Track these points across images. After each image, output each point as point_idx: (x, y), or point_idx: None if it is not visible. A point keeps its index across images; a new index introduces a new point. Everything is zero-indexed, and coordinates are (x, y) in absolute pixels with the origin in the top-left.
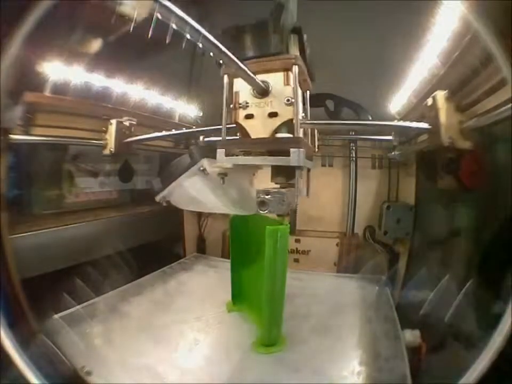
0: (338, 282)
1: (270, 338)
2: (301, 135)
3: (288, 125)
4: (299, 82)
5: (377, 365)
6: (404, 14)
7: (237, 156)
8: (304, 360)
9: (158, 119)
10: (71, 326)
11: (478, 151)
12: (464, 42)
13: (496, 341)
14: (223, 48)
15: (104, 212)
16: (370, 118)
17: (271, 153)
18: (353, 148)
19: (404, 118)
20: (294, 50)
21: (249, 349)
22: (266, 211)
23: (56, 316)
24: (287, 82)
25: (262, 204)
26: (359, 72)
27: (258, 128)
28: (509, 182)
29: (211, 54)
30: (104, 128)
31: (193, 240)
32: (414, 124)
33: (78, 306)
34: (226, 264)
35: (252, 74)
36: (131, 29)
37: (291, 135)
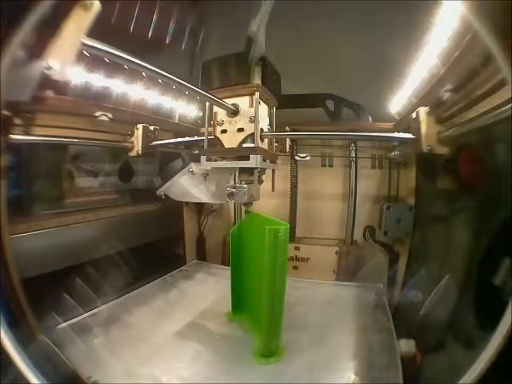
0: (337, 291)
1: (269, 349)
2: (260, 144)
3: (252, 137)
4: (265, 102)
5: (371, 375)
6: (404, 14)
7: (215, 160)
8: (301, 370)
9: (158, 119)
10: (75, 335)
11: (477, 151)
12: (464, 42)
13: (496, 341)
14: (196, 89)
15: (104, 212)
16: (370, 118)
17: (239, 158)
18: (353, 148)
19: (396, 125)
20: (257, 79)
21: (248, 359)
22: (233, 200)
23: (60, 326)
24: (251, 105)
25: (230, 195)
26: (359, 72)
27: (230, 140)
28: (509, 182)
29: (186, 93)
30: (129, 132)
31: (193, 240)
32: (400, 135)
33: (81, 316)
34: (226, 272)
35: (220, 101)
36: (131, 29)
37: (253, 145)
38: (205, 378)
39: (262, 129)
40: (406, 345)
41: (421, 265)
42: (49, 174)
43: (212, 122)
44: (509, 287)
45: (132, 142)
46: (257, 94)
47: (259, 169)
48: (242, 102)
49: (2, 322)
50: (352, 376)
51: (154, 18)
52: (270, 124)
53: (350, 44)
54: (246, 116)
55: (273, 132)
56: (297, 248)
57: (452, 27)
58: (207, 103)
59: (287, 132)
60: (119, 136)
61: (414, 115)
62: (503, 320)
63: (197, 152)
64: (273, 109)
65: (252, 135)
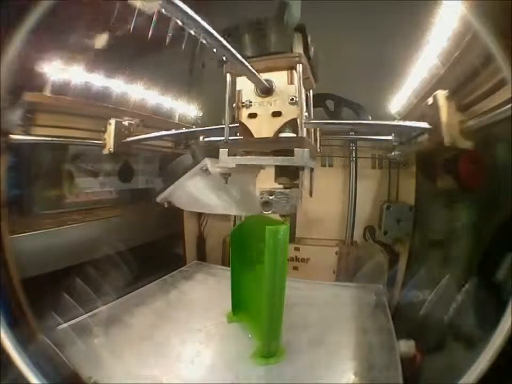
0: (337, 291)
1: (269, 350)
2: (305, 134)
3: (292, 125)
4: (302, 81)
5: (371, 376)
6: (403, 14)
7: (239, 156)
8: (301, 371)
9: (158, 119)
10: (76, 336)
11: (477, 151)
12: (464, 42)
13: (496, 341)
14: (227, 45)
15: (104, 211)
16: (370, 118)
17: (274, 153)
18: (353, 148)
19: (404, 118)
20: (298, 49)
21: (248, 360)
22: (270, 211)
23: (60, 327)
24: (291, 81)
25: (265, 204)
26: (359, 72)
27: (262, 128)
28: (508, 182)
29: (214, 50)
30: (103, 128)
31: (193, 240)
32: (416, 124)
33: (81, 317)
34: (226, 273)
35: (255, 72)
36: (131, 29)
37: (295, 135)
38: (205, 378)
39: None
40: (406, 346)
41: (421, 265)
42: (49, 174)
43: (234, 104)
44: (509, 286)
45: (105, 139)
46: (299, 66)
47: (305, 169)
48: (279, 77)
49: (2, 322)
50: (352, 377)
51: (154, 18)
52: (308, 112)
53: (350, 43)
54: (284, 95)
55: (315, 120)
56: (297, 249)
57: (452, 27)
58: (228, 78)
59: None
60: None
61: (430, 100)
62: (503, 320)
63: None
64: (310, 92)
65: (294, 121)
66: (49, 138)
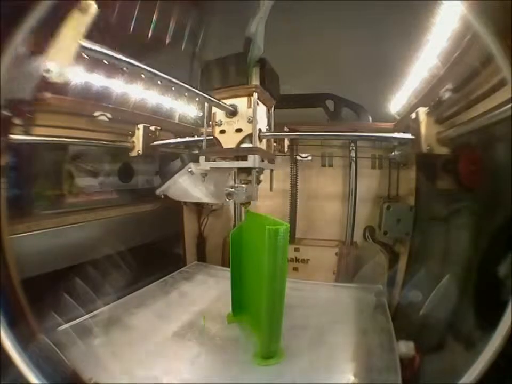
0: (337, 292)
1: (269, 351)
2: (258, 145)
3: (250, 137)
4: (263, 102)
5: (370, 377)
6: (403, 14)
7: (214, 160)
8: (301, 372)
9: (158, 118)
10: (76, 337)
11: (477, 151)
12: (464, 42)
13: (496, 341)
14: (196, 91)
15: (104, 211)
16: (370, 118)
17: (236, 159)
18: (353, 148)
19: (396, 125)
20: (255, 80)
21: (248, 361)
22: (231, 200)
23: (61, 327)
24: (249, 105)
25: (228, 194)
26: (359, 72)
27: (228, 140)
28: (508, 182)
29: (185, 94)
30: (130, 132)
31: (193, 240)
32: (402, 135)
33: (81, 318)
34: (226, 273)
35: (218, 102)
36: (131, 29)
37: (251, 145)
38: (205, 379)
39: (260, 130)
40: (405, 347)
41: (421, 265)
42: (49, 174)
43: (210, 122)
44: (509, 286)
45: (133, 142)
46: (255, 94)
47: (257, 169)
48: (241, 103)
49: (2, 322)
50: (351, 378)
51: (154, 18)
52: (268, 124)
53: (350, 43)
54: (245, 116)
55: (271, 132)
56: (297, 250)
57: (452, 27)
58: (206, 104)
59: (286, 132)
60: (120, 136)
61: (413, 115)
62: (503, 320)
63: (196, 152)
64: (271, 110)
65: (250, 135)
66: (49, 138)
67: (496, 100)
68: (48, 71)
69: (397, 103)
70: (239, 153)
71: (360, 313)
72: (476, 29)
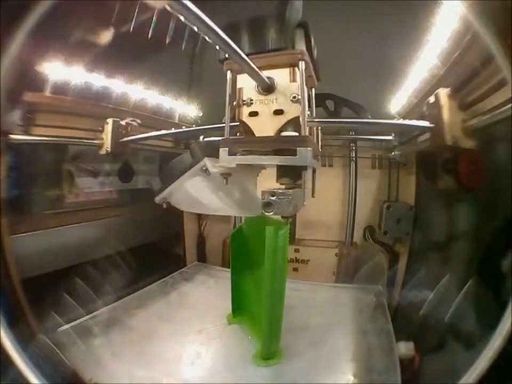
0: (336, 293)
1: (269, 352)
2: (307, 133)
3: (294, 123)
4: (305, 79)
5: (370, 378)
6: (404, 14)
7: (239, 155)
8: (301, 372)
9: (158, 119)
10: (76, 337)
11: (477, 151)
12: (464, 42)
13: (496, 341)
14: (229, 41)
15: (104, 211)
16: (370, 118)
17: (276, 153)
18: (353, 148)
19: (405, 118)
20: (300, 46)
21: (248, 362)
22: (271, 212)
23: (61, 328)
24: (293, 79)
25: (267, 205)
26: (359, 72)
27: (263, 126)
28: (508, 182)
29: (216, 47)
30: (100, 128)
31: (193, 240)
32: (417, 122)
33: (82, 319)
34: (226, 274)
35: (257, 69)
36: (131, 29)
37: (297, 134)
38: (205, 380)
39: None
40: (405, 348)
41: (421, 265)
42: (49, 174)
43: (235, 103)
44: (509, 286)
45: (102, 139)
46: (302, 63)
47: (307, 169)
48: (281, 75)
49: (2, 322)
50: (351, 378)
51: (154, 18)
52: (310, 109)
53: (350, 43)
54: (287, 93)
55: (316, 118)
56: (297, 250)
57: (452, 27)
58: (228, 75)
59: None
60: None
61: (432, 99)
62: (503, 320)
63: (213, 139)
64: (312, 90)
65: (297, 119)
66: (49, 138)
67: (496, 100)
68: None
69: (397, 103)
70: (282, 145)
71: (360, 314)
72: (475, 29)
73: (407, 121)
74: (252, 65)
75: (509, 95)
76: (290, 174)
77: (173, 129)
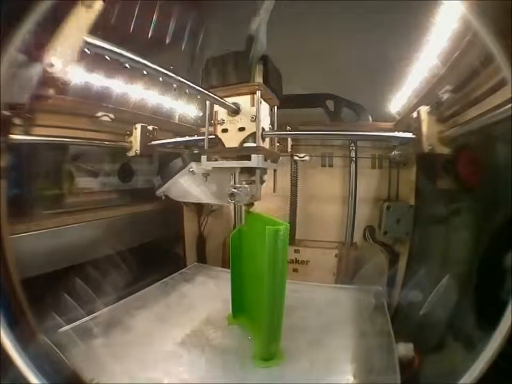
0: (336, 294)
1: (269, 353)
2: (261, 144)
3: (253, 136)
4: (266, 101)
5: (370, 378)
6: (404, 14)
7: (216, 160)
8: (300, 373)
9: (157, 118)
10: (77, 338)
11: (477, 151)
12: (464, 42)
13: (496, 341)
14: (198, 87)
15: (104, 211)
16: (370, 118)
17: (239, 158)
18: (353, 148)
19: (396, 125)
20: (259, 78)
21: (248, 363)
22: (234, 201)
23: (62, 329)
24: (252, 104)
25: (231, 195)
26: (359, 72)
27: (231, 139)
28: (508, 182)
29: (186, 91)
30: (128, 132)
31: (193, 241)
32: (400, 134)
33: (82, 320)
34: (226, 275)
35: (221, 100)
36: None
37: (254, 144)
38: (205, 380)
39: (263, 129)
40: (405, 349)
41: (421, 265)
42: (49, 174)
43: (212, 121)
44: (509, 286)
45: (130, 142)
46: (258, 92)
47: (260, 169)
48: (244, 101)
49: (2, 322)
50: (350, 379)
51: (154, 18)
52: (272, 123)
53: (350, 43)
54: (247, 114)
55: (274, 131)
56: (297, 251)
57: (452, 27)
58: (208, 102)
59: (288, 131)
60: (118, 136)
61: (415, 114)
62: (503, 320)
63: (197, 152)
64: (274, 108)
65: (253, 134)
66: (49, 138)
67: (496, 100)
68: (51, 65)
69: (397, 103)
70: (242, 153)
71: (360, 315)
72: (475, 29)
73: (392, 133)
74: (217, 98)
75: (508, 95)
76: (249, 173)
77: (196, 136)
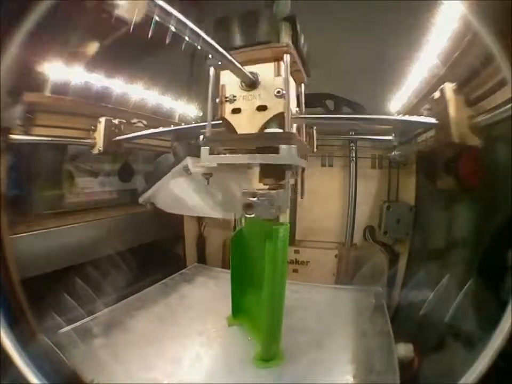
0: (336, 294)
1: (269, 353)
2: (292, 130)
3: (279, 119)
4: (292, 74)
5: (369, 379)
6: (404, 14)
7: (223, 154)
8: (300, 374)
9: (158, 119)
10: (77, 339)
11: (477, 150)
12: (464, 42)
13: (496, 341)
14: (207, 38)
15: (104, 211)
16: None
17: (259, 151)
18: (353, 147)
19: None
20: (286, 39)
21: (249, 364)
22: (252, 215)
23: (62, 330)
24: (278, 73)
25: (248, 207)
26: (359, 72)
27: (246, 123)
28: (508, 182)
29: (197, 45)
30: (92, 127)
31: (193, 241)
32: (421, 119)
33: (82, 320)
34: (226, 275)
35: (238, 65)
36: (130, 30)
37: (281, 130)
38: (205, 381)
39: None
40: (404, 350)
41: (421, 265)
42: (49, 174)
43: (217, 99)
44: (509, 286)
45: (94, 138)
46: (287, 57)
47: (292, 168)
48: (265, 70)
49: (2, 322)
50: (350, 379)
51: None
52: (299, 106)
53: (350, 43)
54: (271, 88)
55: (305, 115)
56: (297, 252)
57: (451, 27)
58: (211, 71)
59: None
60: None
61: (437, 94)
62: (503, 320)
63: (194, 143)
64: (301, 86)
65: (281, 115)
66: (49, 138)
67: (496, 100)
68: (114, 5)
69: (397, 103)
70: (264, 143)
71: (359, 315)
72: (476, 29)
73: (413, 117)
74: (233, 60)
75: (509, 95)
76: (274, 174)
77: (161, 127)
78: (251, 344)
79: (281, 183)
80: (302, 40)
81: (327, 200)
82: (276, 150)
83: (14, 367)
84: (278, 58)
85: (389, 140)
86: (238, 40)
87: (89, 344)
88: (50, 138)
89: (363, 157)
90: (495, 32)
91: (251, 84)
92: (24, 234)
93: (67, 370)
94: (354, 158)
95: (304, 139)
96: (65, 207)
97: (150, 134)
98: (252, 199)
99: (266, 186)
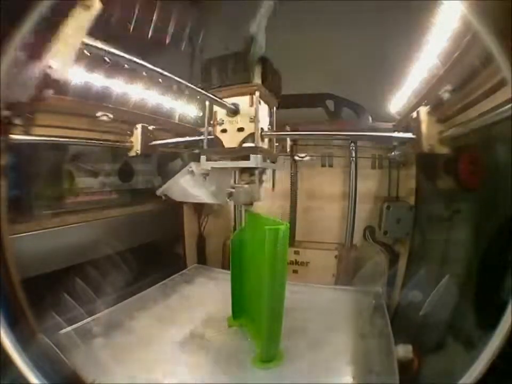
0: (336, 295)
1: (269, 354)
2: (260, 144)
3: (252, 137)
4: (265, 101)
5: (369, 379)
6: (404, 14)
7: (215, 160)
8: (300, 374)
9: (158, 118)
10: (77, 340)
11: (477, 151)
12: (464, 42)
13: (496, 341)
14: (198, 89)
15: (104, 211)
16: (370, 118)
17: (239, 159)
18: (353, 148)
19: (396, 125)
20: (257, 79)
21: (249, 364)
22: (232, 200)
23: (63, 331)
24: (251, 104)
25: (229, 195)
26: (359, 72)
27: (230, 140)
28: (508, 182)
29: (186, 92)
30: (129, 132)
31: (193, 241)
32: (400, 134)
33: (83, 321)
34: (226, 276)
35: (220, 101)
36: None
37: (253, 145)
38: (205, 381)
39: (262, 129)
40: (404, 351)
41: (421, 265)
42: (49, 174)
43: (211, 121)
44: (509, 286)
45: (131, 142)
46: (257, 93)
47: (260, 169)
48: (243, 101)
49: (2, 322)
50: (350, 380)
51: (154, 18)
52: (270, 124)
53: (350, 43)
54: (246, 115)
55: (273, 132)
56: (296, 252)
57: (451, 27)
58: (207, 103)
59: (287, 131)
60: (119, 136)
61: (414, 114)
62: (503, 320)
63: (197, 152)
64: (273, 109)
65: (253, 134)
66: (49, 138)
67: (496, 100)
68: (50, 67)
69: (397, 103)
70: (241, 153)
71: (359, 316)
72: (476, 29)
73: (391, 133)
74: (216, 99)
75: (508, 95)
76: (248, 173)
77: (196, 136)
78: (251, 345)
79: (252, 179)
80: (270, 77)
81: (327, 201)
82: (248, 158)
83: (14, 367)
84: (251, 93)
85: (389, 140)
86: (223, 80)
87: (90, 345)
88: (57, 139)
89: (363, 157)
90: (495, 32)
91: (233, 112)
92: (24, 234)
93: (67, 370)
94: (354, 158)
95: (275, 147)
96: (65, 207)
97: (178, 142)
98: (232, 190)
99: (243, 182)
